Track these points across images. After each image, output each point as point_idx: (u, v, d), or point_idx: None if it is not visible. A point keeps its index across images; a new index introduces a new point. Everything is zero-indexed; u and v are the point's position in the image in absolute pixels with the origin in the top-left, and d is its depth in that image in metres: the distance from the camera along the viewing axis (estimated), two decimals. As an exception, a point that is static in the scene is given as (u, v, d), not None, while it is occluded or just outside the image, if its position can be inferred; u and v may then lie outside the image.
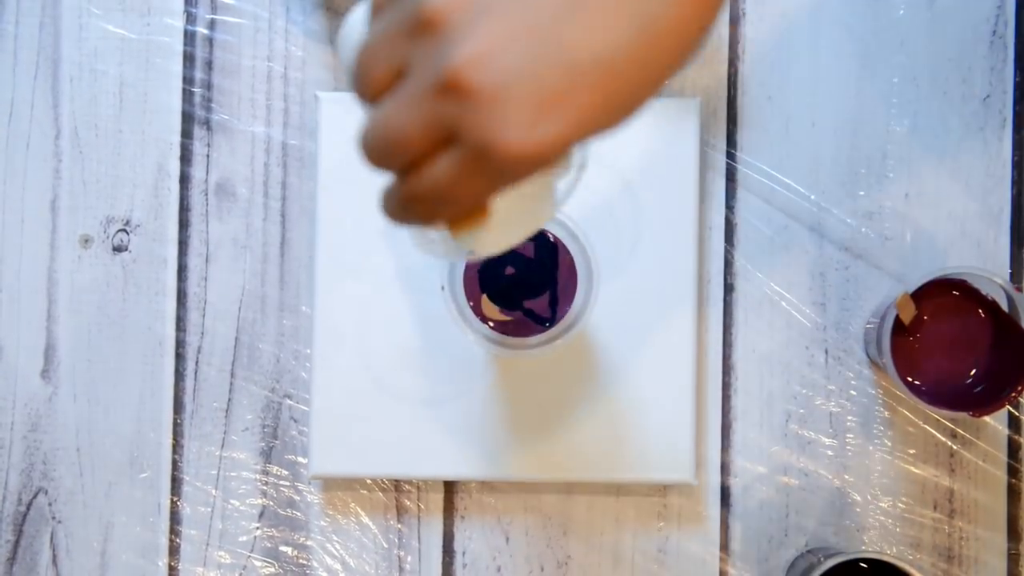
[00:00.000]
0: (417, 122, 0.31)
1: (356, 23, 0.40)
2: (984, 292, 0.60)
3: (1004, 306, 0.59)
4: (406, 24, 0.31)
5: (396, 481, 0.64)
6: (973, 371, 0.60)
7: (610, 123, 0.32)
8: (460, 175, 0.32)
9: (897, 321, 0.58)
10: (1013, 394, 0.56)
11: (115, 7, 0.65)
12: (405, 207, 0.34)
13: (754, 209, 0.64)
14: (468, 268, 0.57)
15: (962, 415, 0.57)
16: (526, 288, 0.57)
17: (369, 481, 0.64)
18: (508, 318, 0.57)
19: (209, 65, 0.65)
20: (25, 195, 0.65)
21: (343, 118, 0.62)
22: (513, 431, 0.61)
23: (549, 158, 0.31)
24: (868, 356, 0.63)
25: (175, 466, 0.64)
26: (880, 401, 0.63)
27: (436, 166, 0.32)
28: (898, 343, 0.60)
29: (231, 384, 0.64)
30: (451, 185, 0.32)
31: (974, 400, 0.59)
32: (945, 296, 0.60)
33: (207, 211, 0.65)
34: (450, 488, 0.64)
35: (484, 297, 0.57)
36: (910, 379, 0.60)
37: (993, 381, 0.59)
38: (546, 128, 0.30)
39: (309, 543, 0.64)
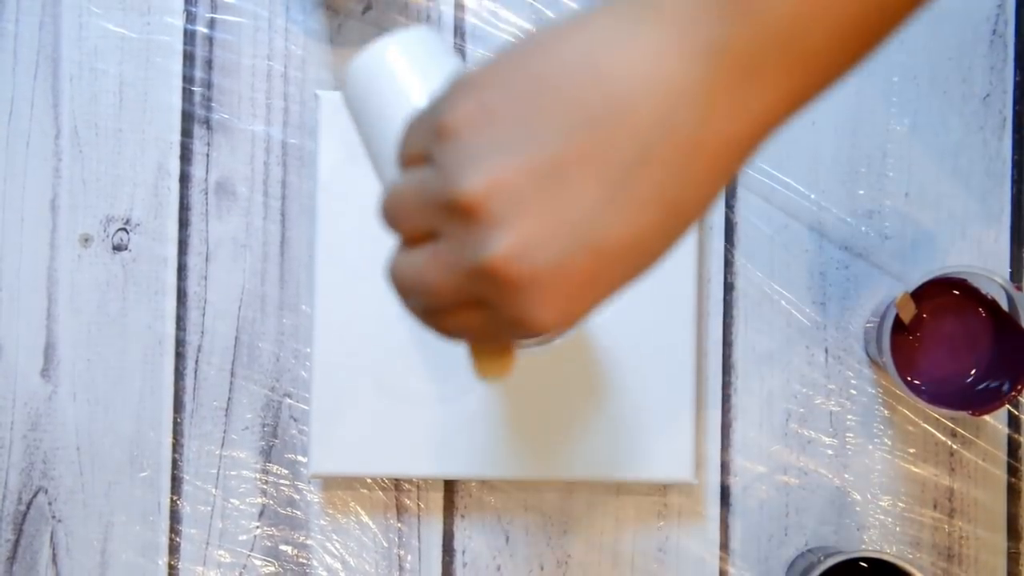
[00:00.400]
0: (452, 289, 0.34)
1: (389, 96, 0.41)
2: (984, 291, 0.60)
3: (1004, 305, 0.59)
4: (440, 201, 0.33)
5: (396, 480, 0.64)
6: (973, 370, 0.60)
7: (626, 287, 0.34)
8: (489, 332, 0.35)
9: (897, 320, 0.58)
10: (1013, 393, 0.56)
11: (115, 6, 0.65)
12: (436, 332, 0.37)
13: (754, 208, 0.64)
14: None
15: (962, 414, 0.57)
16: None
17: (369, 480, 0.64)
18: None
19: (209, 64, 0.65)
20: (25, 194, 0.65)
21: (343, 117, 0.62)
22: (513, 431, 0.61)
23: (572, 327, 0.34)
24: (868, 355, 0.63)
25: (175, 465, 0.64)
26: (880, 400, 0.63)
27: (465, 316, 0.35)
28: (898, 342, 0.60)
29: (231, 383, 0.64)
30: (481, 336, 0.36)
31: (974, 399, 0.59)
32: (945, 295, 0.60)
33: (207, 210, 0.65)
34: (450, 487, 0.64)
35: None
36: (910, 378, 0.60)
37: (993, 380, 0.59)
38: (574, 309, 0.33)
39: (309, 542, 0.64)
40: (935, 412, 0.59)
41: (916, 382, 0.60)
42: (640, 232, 0.32)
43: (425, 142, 0.34)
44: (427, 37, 0.41)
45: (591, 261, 0.32)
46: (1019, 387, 0.56)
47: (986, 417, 0.63)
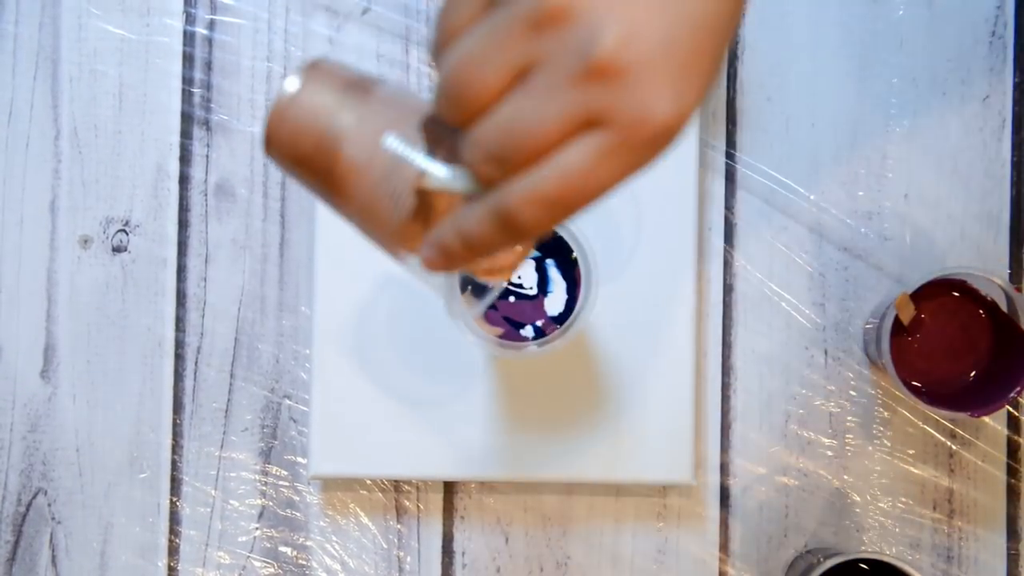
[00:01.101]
0: (560, 112, 0.31)
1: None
2: (983, 292, 0.60)
3: (1003, 306, 0.59)
4: (523, 23, 0.31)
5: (396, 481, 0.64)
6: (973, 372, 0.60)
7: (715, 82, 0.33)
8: (602, 159, 0.32)
9: (897, 321, 0.58)
10: (1012, 395, 0.56)
11: (115, 8, 0.65)
12: (518, 215, 0.32)
13: (754, 209, 0.64)
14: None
15: (961, 416, 0.57)
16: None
17: (369, 481, 0.64)
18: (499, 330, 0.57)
19: (208, 65, 0.65)
20: (25, 195, 0.65)
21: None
22: (513, 431, 0.61)
23: (683, 127, 0.32)
24: (868, 356, 0.63)
25: (174, 466, 0.64)
26: (879, 401, 0.63)
27: (572, 154, 0.31)
28: (898, 343, 0.60)
29: (230, 384, 0.64)
30: (590, 172, 0.32)
31: (974, 400, 0.59)
32: (945, 296, 0.60)
33: (206, 211, 0.65)
34: (450, 488, 0.64)
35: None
36: (909, 379, 0.60)
37: (993, 381, 0.59)
38: (688, 93, 0.32)
39: (308, 543, 0.64)
40: (934, 413, 0.59)
41: (915, 383, 0.60)
42: (712, 6, 0.32)
43: None
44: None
45: (689, 35, 0.32)
46: (1019, 389, 0.56)
47: (985, 418, 0.63)
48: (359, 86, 0.38)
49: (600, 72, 0.31)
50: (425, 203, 0.37)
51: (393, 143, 0.36)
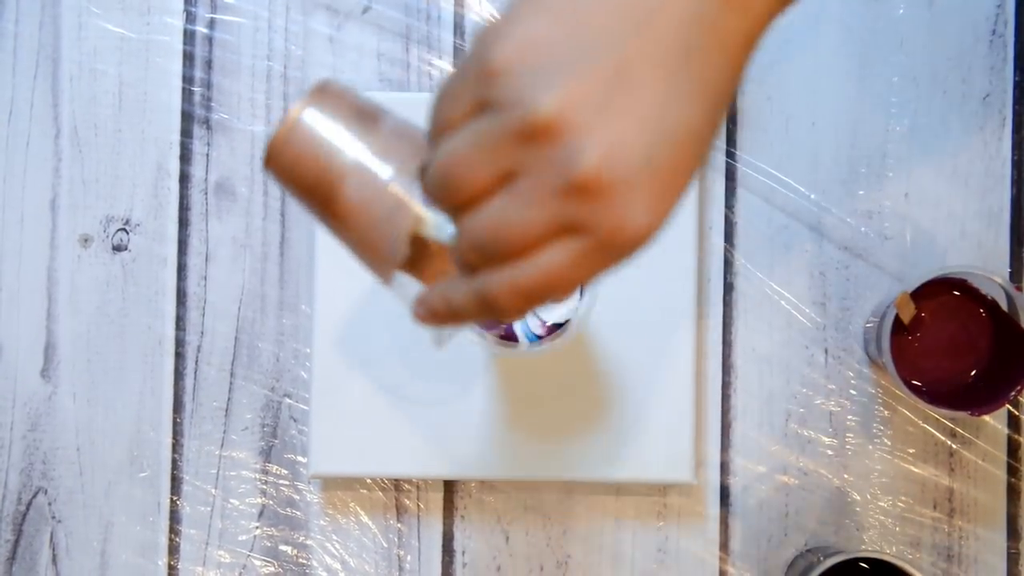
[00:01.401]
0: (542, 220, 0.33)
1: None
2: (984, 291, 0.60)
3: (1004, 305, 0.59)
4: (512, 134, 0.33)
5: (396, 480, 0.64)
6: (973, 371, 0.60)
7: (693, 179, 0.35)
8: (578, 263, 0.34)
9: (897, 321, 0.58)
10: (1013, 393, 0.56)
11: (115, 6, 0.65)
12: (496, 300, 0.35)
13: (754, 208, 0.64)
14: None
15: (962, 414, 0.57)
16: None
17: (369, 480, 0.64)
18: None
19: (209, 64, 0.65)
20: (25, 194, 0.65)
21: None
22: (513, 431, 0.61)
23: (659, 231, 0.34)
24: (868, 355, 0.63)
25: (175, 465, 0.64)
26: (880, 400, 0.63)
27: (551, 255, 0.34)
28: (898, 342, 0.60)
29: (231, 383, 0.64)
30: (567, 273, 0.34)
31: (974, 399, 0.59)
32: (945, 295, 0.60)
33: (207, 210, 0.65)
34: (450, 488, 0.64)
35: None
36: (910, 378, 0.60)
37: (993, 380, 0.59)
38: (665, 206, 0.34)
39: (309, 542, 0.64)
40: (935, 412, 0.59)
41: (916, 382, 0.60)
42: (701, 118, 0.34)
43: (471, 94, 0.34)
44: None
45: (672, 152, 0.33)
46: (1019, 387, 0.56)
47: (986, 417, 0.63)
48: (365, 116, 0.38)
49: (581, 190, 0.32)
50: (420, 244, 0.38)
51: (395, 188, 0.37)
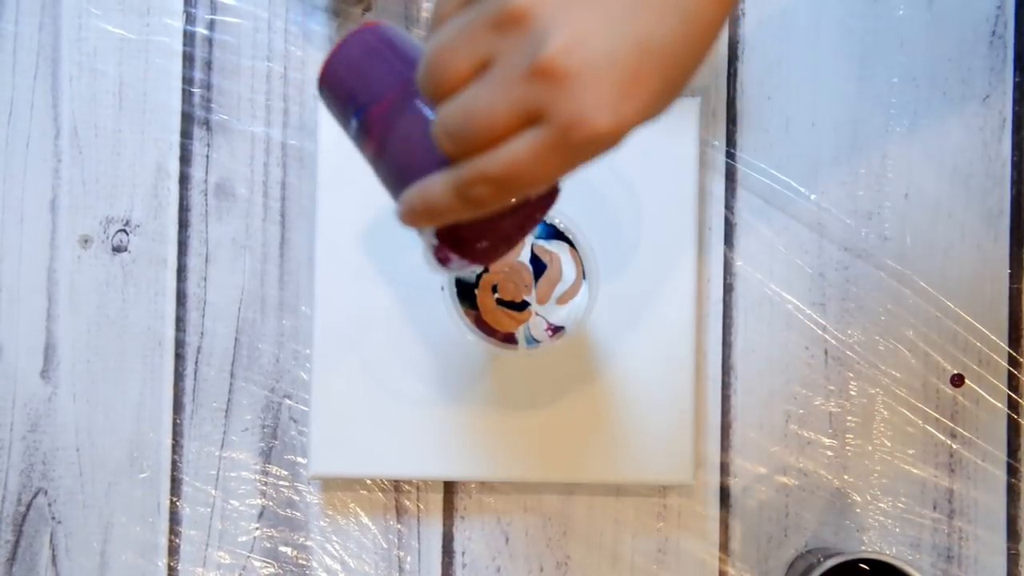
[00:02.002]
0: (507, 104, 0.35)
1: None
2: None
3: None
4: (489, 21, 0.36)
5: (396, 481, 0.64)
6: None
7: (664, 106, 0.36)
8: (540, 152, 0.35)
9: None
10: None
11: (114, 7, 0.65)
12: (469, 190, 0.37)
13: (754, 209, 0.64)
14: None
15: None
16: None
17: (369, 481, 0.64)
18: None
19: (209, 65, 0.65)
20: (25, 195, 0.65)
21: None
22: (513, 432, 0.61)
23: (621, 137, 0.35)
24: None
25: (175, 466, 0.64)
26: (880, 401, 0.63)
27: (517, 143, 0.35)
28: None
29: (231, 384, 0.64)
30: (530, 162, 0.35)
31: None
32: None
33: (207, 211, 0.65)
34: (450, 488, 0.64)
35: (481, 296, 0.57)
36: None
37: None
38: (625, 108, 0.35)
39: (309, 543, 0.64)
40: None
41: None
42: (667, 35, 0.35)
43: None
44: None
45: (635, 55, 0.35)
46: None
47: (986, 417, 0.63)
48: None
49: (543, 73, 0.34)
50: None
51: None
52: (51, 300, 0.65)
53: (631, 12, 0.35)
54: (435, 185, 0.38)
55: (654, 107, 0.36)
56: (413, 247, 0.62)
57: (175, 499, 0.64)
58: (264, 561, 0.64)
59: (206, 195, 0.65)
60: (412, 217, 0.39)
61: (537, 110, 0.35)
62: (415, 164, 0.39)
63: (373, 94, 0.41)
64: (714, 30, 0.36)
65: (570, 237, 0.57)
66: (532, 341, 0.54)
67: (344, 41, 0.42)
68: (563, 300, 0.54)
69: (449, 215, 0.38)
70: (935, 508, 0.63)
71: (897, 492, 0.63)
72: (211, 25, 0.65)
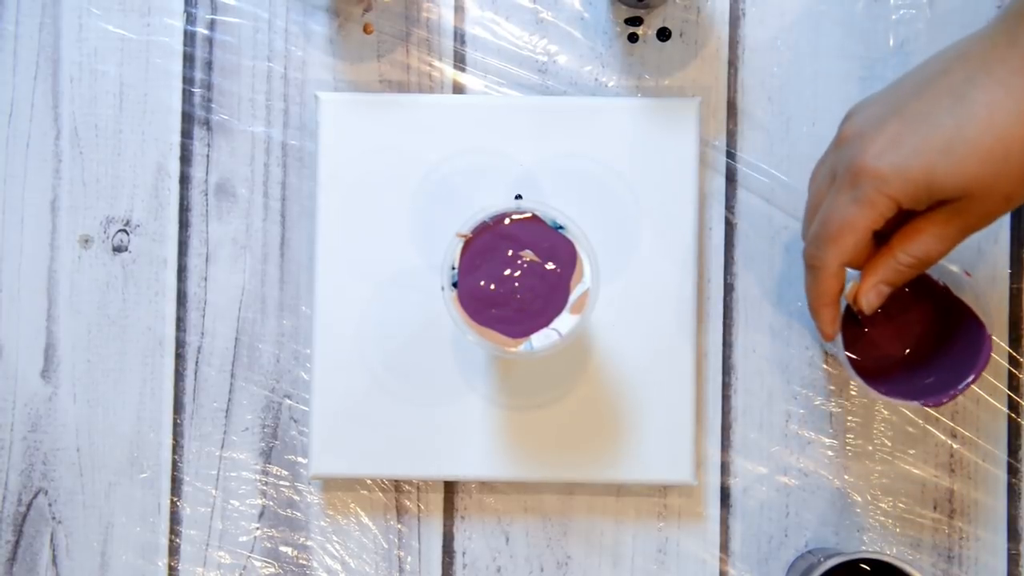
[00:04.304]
0: (822, 181, 0.54)
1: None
2: (936, 278, 0.59)
3: (957, 292, 0.59)
4: (834, 144, 0.54)
5: (396, 481, 0.64)
6: (925, 360, 0.60)
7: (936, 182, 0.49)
8: (838, 199, 0.52)
9: (853, 314, 0.58)
10: (963, 385, 0.56)
11: (115, 7, 0.65)
12: (807, 256, 0.55)
13: (754, 209, 0.64)
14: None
15: (914, 404, 0.56)
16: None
17: (369, 481, 0.64)
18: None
19: (209, 65, 0.65)
20: (25, 195, 0.65)
21: (343, 118, 0.62)
22: (513, 431, 0.61)
23: (901, 182, 0.49)
24: (823, 349, 0.63)
25: (175, 466, 0.64)
26: (880, 401, 0.63)
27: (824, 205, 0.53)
28: (851, 333, 0.60)
29: (231, 384, 0.64)
30: (831, 208, 0.52)
31: (927, 390, 0.58)
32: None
33: (207, 211, 0.65)
34: (450, 488, 0.64)
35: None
36: (862, 368, 0.59)
37: (945, 369, 0.58)
38: (902, 160, 0.49)
39: (309, 543, 0.64)
40: (888, 402, 0.57)
41: (868, 371, 0.59)
42: (967, 182, 0.49)
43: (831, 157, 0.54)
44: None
45: (921, 173, 0.49)
46: (971, 378, 0.56)
47: (986, 417, 0.63)
48: None
49: (839, 142, 0.53)
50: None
51: None
52: (51, 300, 0.65)
53: (934, 148, 0.49)
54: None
55: (922, 164, 0.49)
56: (413, 248, 0.62)
57: (175, 499, 0.64)
58: (264, 561, 0.64)
59: (206, 195, 0.65)
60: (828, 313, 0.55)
61: (835, 169, 0.53)
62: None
63: None
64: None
65: (572, 238, 0.57)
66: (528, 344, 0.54)
67: None
68: (576, 309, 0.54)
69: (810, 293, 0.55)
70: (935, 508, 0.63)
71: (897, 492, 0.63)
72: (211, 25, 0.65)
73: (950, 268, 0.57)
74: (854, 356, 0.59)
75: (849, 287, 0.56)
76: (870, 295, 0.53)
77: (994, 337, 0.63)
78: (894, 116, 0.50)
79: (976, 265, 0.63)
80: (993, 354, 0.63)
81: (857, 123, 0.52)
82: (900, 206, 0.50)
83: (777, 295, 0.64)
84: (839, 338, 0.56)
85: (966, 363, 0.57)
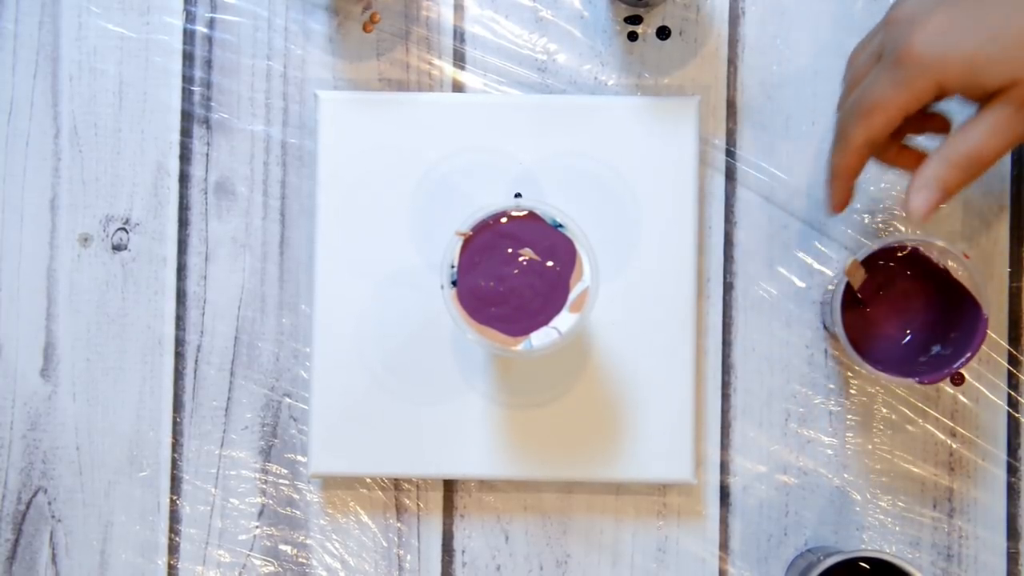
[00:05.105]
0: (865, 56, 0.56)
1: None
2: (935, 260, 0.59)
3: (955, 274, 0.59)
4: (880, 26, 0.55)
5: (396, 480, 0.64)
6: (923, 339, 0.60)
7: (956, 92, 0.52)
8: (880, 79, 0.53)
9: (852, 293, 0.58)
10: (960, 363, 0.56)
11: (114, 6, 0.65)
12: (840, 127, 0.56)
13: (754, 207, 0.64)
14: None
15: (908, 381, 0.57)
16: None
17: (368, 480, 0.64)
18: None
19: (208, 64, 0.65)
20: (24, 194, 0.65)
21: (342, 117, 0.62)
22: (513, 431, 0.61)
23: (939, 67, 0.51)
24: (824, 327, 0.63)
25: (174, 465, 0.64)
26: (880, 400, 0.63)
27: (866, 81, 0.55)
28: (851, 313, 0.60)
29: (230, 383, 0.64)
30: (872, 87, 0.53)
31: (923, 367, 0.58)
32: (897, 264, 0.60)
33: (206, 210, 0.65)
34: (450, 487, 0.64)
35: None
36: (860, 346, 0.59)
37: (943, 348, 0.59)
38: (940, 45, 0.51)
39: (308, 542, 0.64)
40: (884, 379, 0.57)
41: (866, 350, 0.59)
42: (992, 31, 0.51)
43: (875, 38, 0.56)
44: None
45: (967, 60, 0.50)
46: (967, 356, 0.56)
47: (985, 416, 0.63)
48: None
49: (888, 22, 0.54)
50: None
51: None
52: (51, 299, 0.65)
53: (980, 30, 0.50)
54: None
55: (965, 53, 0.50)
56: (413, 246, 0.62)
57: (175, 497, 0.64)
58: (264, 559, 0.64)
59: (206, 194, 0.65)
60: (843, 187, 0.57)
61: (881, 50, 0.54)
62: None
63: None
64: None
65: (571, 236, 0.57)
66: (528, 343, 0.54)
67: None
68: (576, 307, 0.54)
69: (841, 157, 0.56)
70: (935, 507, 0.63)
71: (897, 491, 0.63)
72: (211, 23, 0.65)
73: (949, 248, 0.57)
74: (854, 334, 0.59)
75: (849, 262, 0.57)
76: (921, 194, 0.52)
77: (994, 336, 0.63)
78: (945, 3, 0.51)
79: (976, 265, 0.63)
80: (993, 353, 0.63)
81: (909, 6, 0.52)
82: (943, 92, 0.51)
83: (777, 294, 0.64)
84: (839, 317, 0.56)
85: (963, 343, 0.57)
